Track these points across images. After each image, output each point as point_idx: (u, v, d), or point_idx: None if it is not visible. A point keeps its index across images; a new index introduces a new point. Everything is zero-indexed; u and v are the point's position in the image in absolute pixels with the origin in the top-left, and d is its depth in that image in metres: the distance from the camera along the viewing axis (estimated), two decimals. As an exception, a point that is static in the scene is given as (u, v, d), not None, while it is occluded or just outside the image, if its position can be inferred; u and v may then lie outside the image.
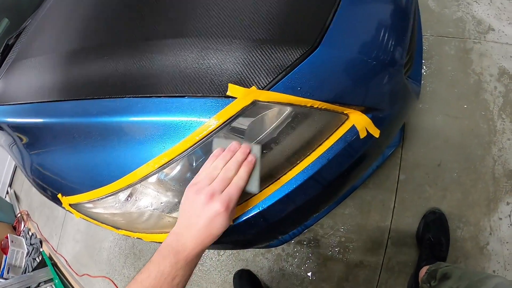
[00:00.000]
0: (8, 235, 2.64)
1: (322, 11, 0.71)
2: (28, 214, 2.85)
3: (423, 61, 1.57)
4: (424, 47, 1.58)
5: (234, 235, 0.79)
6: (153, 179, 0.73)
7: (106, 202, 0.81)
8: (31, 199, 2.85)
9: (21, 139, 0.99)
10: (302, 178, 0.73)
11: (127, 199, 0.78)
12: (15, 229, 2.88)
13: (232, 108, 0.65)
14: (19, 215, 2.89)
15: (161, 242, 0.84)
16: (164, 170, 0.71)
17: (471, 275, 0.86)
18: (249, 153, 0.64)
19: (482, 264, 1.36)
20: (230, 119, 0.66)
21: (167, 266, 0.56)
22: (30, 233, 2.74)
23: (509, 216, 1.38)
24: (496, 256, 1.36)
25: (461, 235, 1.39)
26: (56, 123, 0.84)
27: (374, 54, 0.75)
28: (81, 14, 0.98)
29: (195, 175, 0.72)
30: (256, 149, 0.66)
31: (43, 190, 1.00)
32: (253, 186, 0.64)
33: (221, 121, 0.66)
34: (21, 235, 2.79)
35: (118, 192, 0.77)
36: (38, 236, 2.66)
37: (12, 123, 0.95)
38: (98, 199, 0.81)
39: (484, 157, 1.44)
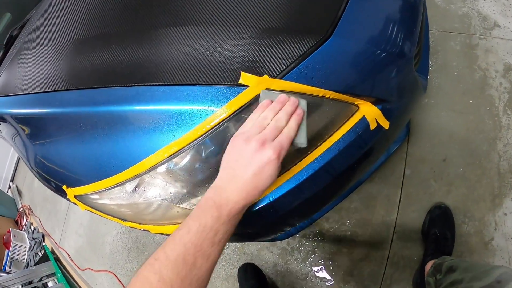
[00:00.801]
0: (10, 230, 2.64)
1: (335, 2, 0.70)
2: (30, 209, 2.84)
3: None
4: (430, 42, 1.57)
5: (243, 227, 0.78)
6: (162, 169, 0.72)
7: (113, 193, 0.80)
8: (33, 194, 2.85)
9: (25, 130, 0.97)
10: (313, 168, 0.72)
11: (135, 189, 0.77)
12: (17, 223, 2.88)
13: (244, 97, 0.64)
14: (21, 209, 2.89)
15: (168, 234, 0.83)
16: (174, 160, 0.70)
17: (477, 267, 0.86)
18: (297, 106, 0.63)
19: (487, 259, 1.36)
20: (242, 108, 0.65)
21: (209, 220, 0.53)
22: (32, 228, 2.74)
23: (514, 211, 1.38)
24: (501, 252, 1.36)
25: (466, 230, 1.39)
26: (61, 113, 0.83)
27: (385, 45, 0.75)
28: (86, 4, 0.97)
29: (205, 165, 0.72)
30: (303, 103, 0.64)
31: (47, 182, 0.99)
32: (302, 138, 0.63)
33: (233, 109, 0.64)
34: (23, 229, 2.79)
35: (125, 182, 0.76)
36: (40, 231, 2.66)
37: (16, 114, 0.95)
38: (104, 190, 0.80)
39: (489, 153, 1.44)
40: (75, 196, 0.88)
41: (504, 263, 1.35)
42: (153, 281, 0.49)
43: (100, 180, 0.79)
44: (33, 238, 2.64)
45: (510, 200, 1.39)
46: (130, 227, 0.89)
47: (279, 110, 0.61)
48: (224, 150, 0.68)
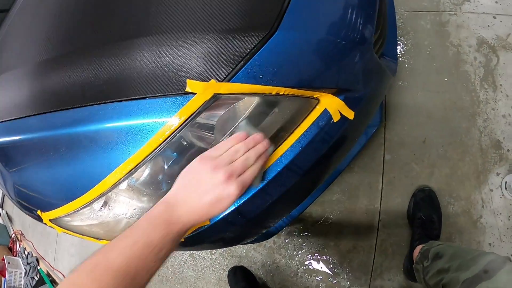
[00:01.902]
0: (5, 257, 2.61)
1: (279, -6, 0.67)
2: (22, 234, 2.81)
3: (399, 38, 1.54)
4: (399, 24, 1.55)
5: (213, 234, 0.77)
6: (123, 185, 0.71)
7: (83, 213, 0.79)
8: (24, 218, 2.82)
9: None
10: (276, 169, 0.70)
11: (101, 208, 0.77)
12: (10, 250, 2.84)
13: (192, 104, 0.63)
14: (13, 235, 2.86)
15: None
16: (134, 176, 0.69)
17: (463, 253, 0.85)
18: (267, 149, 0.64)
19: (477, 238, 1.36)
20: (193, 116, 0.63)
21: (156, 237, 0.53)
22: (26, 253, 2.70)
23: (500, 186, 1.37)
24: (491, 229, 1.36)
25: (453, 210, 1.38)
26: (26, 140, 0.83)
27: (339, 33, 0.72)
28: (39, 27, 0.96)
29: (167, 176, 0.70)
30: (271, 149, 0.67)
31: (25, 209, 0.99)
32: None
33: (183, 118, 0.63)
34: (17, 255, 2.76)
35: (92, 202, 0.75)
36: (34, 255, 2.63)
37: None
38: (75, 212, 0.79)
39: (470, 130, 1.43)
40: (50, 220, 0.87)
41: (495, 240, 1.34)
42: None
43: (69, 202, 0.78)
44: (27, 263, 2.60)
45: (496, 175, 1.38)
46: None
47: (252, 148, 0.61)
48: (185, 160, 0.67)
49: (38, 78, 0.86)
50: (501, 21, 1.51)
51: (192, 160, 0.62)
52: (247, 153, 0.60)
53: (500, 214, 1.36)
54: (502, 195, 1.36)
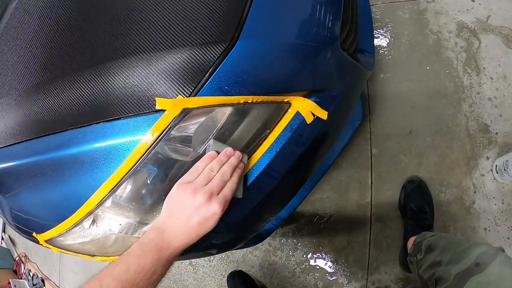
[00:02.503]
0: (10, 281, 2.61)
1: (236, 4, 0.68)
2: (26, 256, 2.82)
3: (378, 30, 1.55)
4: (377, 16, 1.56)
5: (199, 244, 0.77)
6: (108, 203, 0.73)
7: (74, 232, 0.81)
8: (26, 240, 2.81)
9: None
10: (253, 175, 0.71)
11: (90, 226, 0.79)
12: (16, 273, 2.85)
13: (163, 121, 0.64)
14: (17, 258, 2.86)
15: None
16: (117, 193, 0.71)
17: (455, 245, 0.84)
18: (241, 160, 0.67)
19: (472, 224, 1.36)
20: (165, 131, 0.65)
21: (148, 262, 0.55)
22: (31, 274, 2.71)
23: (491, 170, 1.37)
24: (485, 213, 1.36)
25: (445, 198, 1.38)
26: (14, 166, 0.85)
27: (304, 35, 0.73)
28: (16, 57, 0.98)
29: (149, 191, 0.72)
30: (245, 158, 0.69)
31: (23, 232, 1.01)
32: (240, 191, 0.68)
33: (156, 135, 0.65)
34: (22, 277, 2.77)
35: (81, 221, 0.77)
36: (39, 276, 2.64)
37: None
38: (66, 231, 0.81)
39: (456, 116, 1.43)
40: (45, 241, 0.90)
41: (490, 224, 1.34)
42: None
43: (61, 222, 0.80)
44: (33, 285, 2.60)
45: (485, 160, 1.39)
46: (100, 261, 0.90)
47: (225, 163, 0.64)
48: (165, 173, 0.69)
49: (20, 107, 0.88)
50: (479, 4, 1.51)
51: (170, 174, 0.65)
52: (222, 168, 0.63)
53: (493, 198, 1.36)
54: (494, 179, 1.37)
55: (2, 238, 3.01)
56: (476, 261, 0.74)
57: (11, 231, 3.01)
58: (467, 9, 1.52)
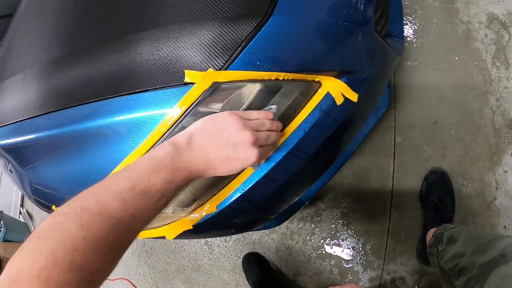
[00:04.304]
0: (27, 253, 2.67)
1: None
2: (43, 230, 2.88)
3: (406, 17, 1.50)
4: (406, 3, 1.51)
5: (221, 221, 0.78)
6: None
7: None
8: (43, 215, 2.88)
9: (11, 160, 1.02)
10: (280, 155, 0.70)
11: None
12: (33, 246, 2.91)
13: (192, 94, 0.63)
14: (34, 232, 2.93)
15: (154, 238, 0.84)
16: None
17: (478, 237, 0.83)
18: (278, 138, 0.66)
19: (492, 220, 1.33)
20: (193, 105, 0.64)
21: (159, 183, 0.46)
22: (47, 248, 2.77)
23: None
24: (506, 211, 1.33)
25: (466, 192, 1.36)
26: (35, 139, 0.86)
27: (337, 14, 0.71)
28: (41, 30, 0.98)
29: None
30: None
31: (42, 206, 1.04)
32: (259, 164, 0.69)
33: (184, 108, 0.64)
34: (39, 251, 2.83)
35: None
36: (55, 249, 2.70)
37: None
38: None
39: (482, 109, 1.39)
40: None
41: (510, 222, 1.32)
42: (77, 238, 0.38)
43: None
44: (49, 258, 2.67)
45: (510, 156, 1.35)
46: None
47: (274, 129, 0.63)
48: None
49: (44, 79, 0.89)
50: (511, -4, 1.45)
51: None
52: (271, 132, 0.61)
53: (515, 195, 1.33)
54: (517, 176, 1.33)
55: (20, 213, 3.07)
56: (502, 252, 0.73)
57: (29, 205, 3.07)
58: (498, 1, 1.46)
